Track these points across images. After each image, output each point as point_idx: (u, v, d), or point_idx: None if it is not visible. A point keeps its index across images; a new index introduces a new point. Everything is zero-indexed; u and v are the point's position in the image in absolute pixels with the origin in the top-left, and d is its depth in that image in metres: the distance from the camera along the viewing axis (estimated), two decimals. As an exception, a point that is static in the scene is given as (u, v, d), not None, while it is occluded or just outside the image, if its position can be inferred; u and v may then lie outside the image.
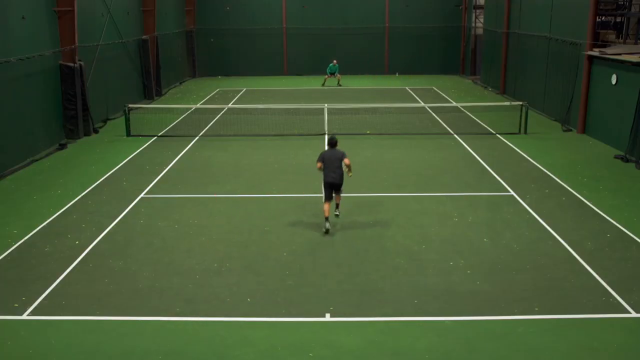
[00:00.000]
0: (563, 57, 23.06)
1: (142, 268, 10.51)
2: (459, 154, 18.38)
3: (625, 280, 9.94)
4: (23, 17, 17.65)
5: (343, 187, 12.28)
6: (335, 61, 35.01)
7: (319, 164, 12.04)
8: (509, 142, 20.05)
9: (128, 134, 21.07)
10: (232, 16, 39.71)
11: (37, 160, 17.81)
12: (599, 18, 22.44)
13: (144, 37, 29.17)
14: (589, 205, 13.64)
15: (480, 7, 38.08)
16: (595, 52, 20.17)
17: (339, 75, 34.74)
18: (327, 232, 11.88)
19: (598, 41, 21.28)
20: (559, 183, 15.37)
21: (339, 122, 23.34)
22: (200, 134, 21.59)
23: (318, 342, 8.18)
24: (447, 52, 40.46)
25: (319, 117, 23.86)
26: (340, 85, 34.47)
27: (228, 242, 11.64)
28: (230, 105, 27.07)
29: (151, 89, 29.73)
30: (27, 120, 17.94)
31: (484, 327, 8.54)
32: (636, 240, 11.63)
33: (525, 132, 21.21)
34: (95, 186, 15.29)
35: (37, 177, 16.17)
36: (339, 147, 12.47)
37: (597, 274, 10.18)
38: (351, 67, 38.38)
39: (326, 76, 34.92)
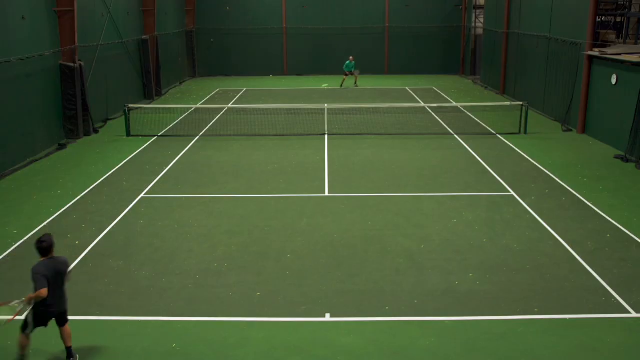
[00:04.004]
0: (563, 57, 23.06)
1: (142, 268, 10.51)
2: (459, 154, 18.38)
3: (625, 280, 9.94)
4: (23, 17, 17.65)
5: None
6: (351, 57, 34.33)
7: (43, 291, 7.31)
8: (509, 142, 20.05)
9: (128, 134, 21.07)
10: (232, 16, 39.73)
11: (37, 160, 17.81)
12: (599, 18, 22.44)
13: (144, 37, 29.17)
14: (589, 205, 13.64)
15: (480, 7, 38.09)
16: (595, 52, 20.17)
17: (357, 73, 34.00)
18: None
19: (598, 41, 21.28)
20: (559, 183, 15.38)
21: (339, 122, 23.34)
22: (200, 134, 21.59)
23: (318, 342, 8.19)
24: (447, 52, 40.47)
25: (319, 117, 23.86)
26: (357, 86, 33.99)
27: (228, 242, 11.64)
28: (230, 105, 27.08)
29: (151, 89, 29.74)
30: (27, 120, 17.94)
31: (484, 327, 8.54)
32: (636, 240, 11.64)
33: (525, 132, 21.21)
34: (95, 186, 15.29)
35: (37, 177, 16.17)
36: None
37: (597, 274, 10.18)
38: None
39: (344, 76, 34.16)
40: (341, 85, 34.15)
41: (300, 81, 37.41)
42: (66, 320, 7.70)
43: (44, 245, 7.31)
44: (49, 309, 7.37)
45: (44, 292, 7.18)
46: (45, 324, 7.58)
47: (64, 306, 7.58)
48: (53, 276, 7.29)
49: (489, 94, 31.35)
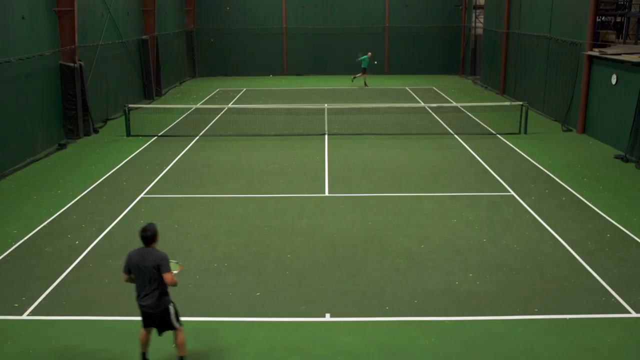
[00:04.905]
0: (563, 57, 23.07)
1: (142, 268, 10.49)
2: (459, 154, 18.38)
3: (625, 280, 9.94)
4: (23, 17, 17.65)
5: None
6: (369, 54, 34.57)
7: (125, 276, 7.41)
8: (509, 142, 20.05)
9: (128, 134, 21.07)
10: (232, 16, 39.73)
11: (36, 160, 17.81)
12: (599, 18, 22.44)
13: (144, 37, 29.17)
14: (589, 205, 13.64)
15: (480, 7, 38.09)
16: (595, 52, 20.17)
17: (361, 72, 34.27)
18: None
19: (598, 41, 21.28)
20: (559, 183, 15.38)
21: (339, 122, 23.34)
22: (200, 134, 21.59)
23: (318, 342, 8.19)
24: (447, 52, 40.47)
25: (319, 117, 23.87)
26: (352, 81, 34.32)
27: (228, 242, 11.64)
28: (230, 105, 27.08)
29: (151, 89, 29.74)
30: (27, 120, 17.94)
31: (484, 327, 8.54)
32: (636, 240, 11.64)
33: (525, 132, 21.21)
34: (95, 186, 15.29)
35: (37, 177, 16.17)
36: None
37: (597, 274, 10.19)
38: (351, 67, 38.35)
39: (364, 75, 34.31)
40: (365, 84, 34.35)
41: (300, 81, 37.41)
42: (168, 326, 7.40)
43: (146, 234, 7.18)
44: (138, 302, 7.24)
45: (124, 277, 7.31)
46: (145, 322, 7.40)
47: (153, 306, 7.17)
48: (136, 267, 7.13)
49: (489, 94, 31.35)
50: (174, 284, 7.20)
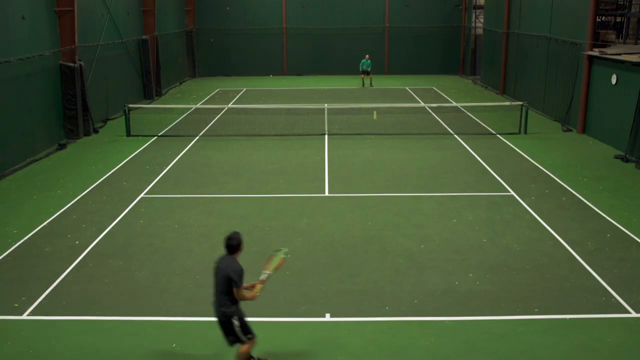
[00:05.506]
0: (563, 57, 23.06)
1: (142, 268, 10.51)
2: (459, 154, 18.38)
3: (625, 280, 9.94)
4: (23, 17, 17.65)
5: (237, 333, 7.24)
6: (367, 56, 34.51)
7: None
8: (509, 142, 20.05)
9: (128, 134, 21.07)
10: (232, 16, 39.72)
11: (36, 160, 17.80)
12: (599, 18, 22.44)
13: (144, 37, 29.17)
14: (589, 205, 13.64)
15: (480, 7, 38.09)
16: (595, 52, 20.17)
17: (371, 74, 34.12)
18: None
19: (598, 41, 21.29)
20: (559, 183, 15.38)
21: (339, 122, 23.33)
22: (200, 134, 21.59)
23: (318, 342, 8.19)
24: (447, 52, 40.46)
25: (319, 117, 23.87)
26: (371, 86, 33.99)
27: (228, 242, 11.63)
28: (230, 105, 27.08)
29: (151, 89, 29.73)
30: (27, 120, 17.94)
31: (484, 327, 8.54)
32: (636, 240, 11.64)
33: (525, 132, 21.21)
34: (95, 186, 15.29)
35: (37, 177, 16.17)
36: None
37: (597, 274, 10.19)
38: (351, 68, 38.37)
39: (362, 75, 34.25)
40: (363, 85, 34.19)
41: (300, 81, 37.40)
42: (235, 338, 7.20)
43: (232, 243, 7.17)
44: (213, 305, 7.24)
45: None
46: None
47: (217, 313, 7.12)
48: (214, 274, 7.18)
49: (489, 94, 31.34)
50: (244, 299, 7.08)
